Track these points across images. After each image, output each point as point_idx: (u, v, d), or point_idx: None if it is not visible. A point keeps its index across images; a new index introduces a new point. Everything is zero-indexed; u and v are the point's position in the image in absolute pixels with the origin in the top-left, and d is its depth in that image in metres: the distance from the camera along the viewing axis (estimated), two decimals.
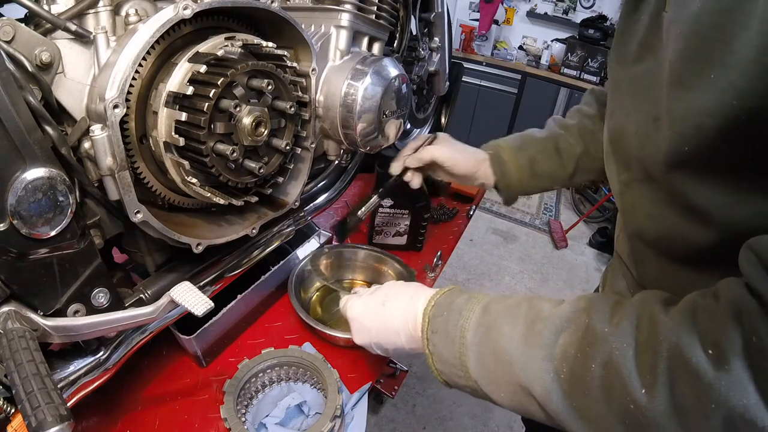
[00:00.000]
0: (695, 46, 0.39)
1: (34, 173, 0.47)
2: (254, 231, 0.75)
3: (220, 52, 0.57)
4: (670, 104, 0.43)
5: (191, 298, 0.55)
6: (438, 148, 0.83)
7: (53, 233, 0.49)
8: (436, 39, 1.26)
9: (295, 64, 0.68)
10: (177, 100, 0.57)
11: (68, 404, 0.44)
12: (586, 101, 0.84)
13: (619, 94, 0.57)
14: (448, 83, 1.43)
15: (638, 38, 0.53)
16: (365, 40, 0.88)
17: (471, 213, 1.44)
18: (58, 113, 0.54)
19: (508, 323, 0.48)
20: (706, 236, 0.45)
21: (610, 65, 0.61)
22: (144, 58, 0.55)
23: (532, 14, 4.03)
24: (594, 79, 3.55)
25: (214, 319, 0.77)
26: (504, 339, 0.47)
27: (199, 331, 0.76)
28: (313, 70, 0.75)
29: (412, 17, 1.16)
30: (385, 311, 0.60)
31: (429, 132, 1.63)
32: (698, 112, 0.39)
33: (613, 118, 0.58)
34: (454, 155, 0.82)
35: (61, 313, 0.53)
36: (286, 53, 0.65)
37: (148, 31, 0.53)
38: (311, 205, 0.99)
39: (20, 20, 0.51)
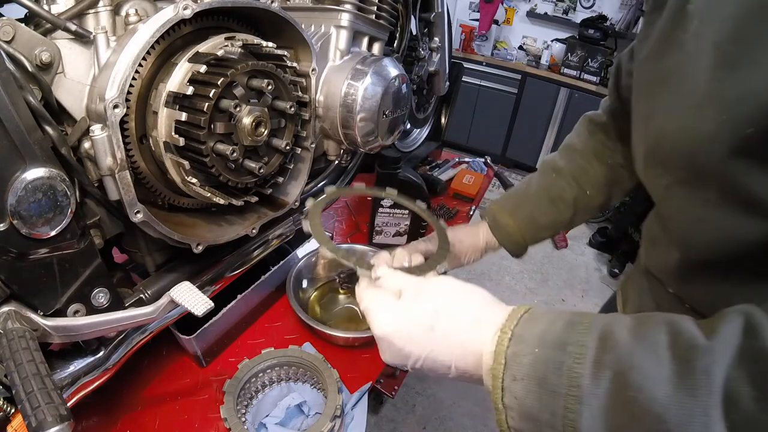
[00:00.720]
0: (750, 21, 0.38)
1: (34, 173, 0.47)
2: (254, 231, 0.75)
3: (220, 52, 0.57)
4: (715, 88, 0.41)
5: (191, 298, 0.55)
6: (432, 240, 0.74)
7: (53, 233, 0.49)
8: (436, 39, 1.26)
9: (295, 64, 0.68)
10: (177, 100, 0.57)
11: (68, 404, 0.44)
12: (577, 131, 0.82)
13: (651, 95, 0.53)
14: (448, 83, 1.44)
15: (660, 34, 0.51)
16: (365, 40, 0.88)
17: (471, 213, 1.44)
18: (58, 113, 0.54)
19: (648, 359, 0.34)
20: (763, 230, 0.42)
21: (636, 69, 0.57)
22: (144, 58, 0.55)
23: (532, 14, 4.03)
24: (594, 79, 3.55)
25: (214, 319, 0.77)
26: (648, 384, 0.33)
27: (199, 331, 0.75)
28: (313, 70, 0.75)
29: (412, 17, 1.16)
30: (435, 338, 0.43)
31: (428, 133, 1.63)
32: (764, 88, 0.37)
33: (652, 122, 0.52)
34: (455, 234, 0.78)
35: (61, 313, 0.53)
36: (286, 53, 0.65)
37: (148, 31, 0.53)
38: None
39: (20, 20, 0.51)
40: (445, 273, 0.55)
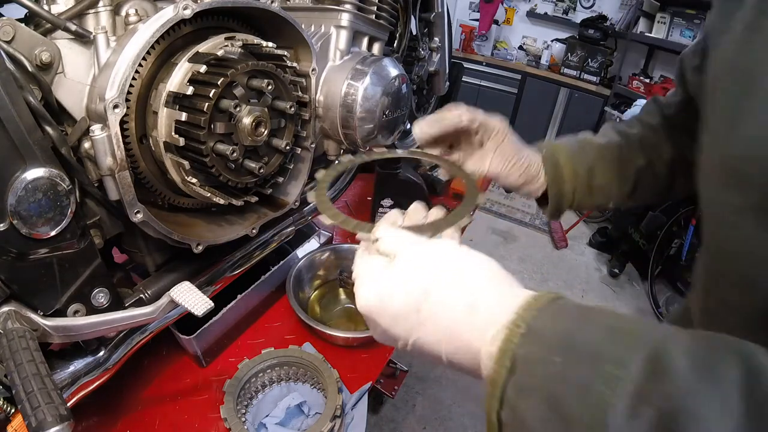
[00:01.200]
0: None
1: (34, 173, 0.47)
2: (254, 231, 0.75)
3: (220, 52, 0.57)
4: None
5: (191, 298, 0.55)
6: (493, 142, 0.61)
7: (53, 233, 0.49)
8: (436, 39, 1.26)
9: (295, 64, 0.68)
10: (177, 100, 0.57)
11: (68, 404, 0.44)
12: (647, 110, 0.69)
13: (736, 94, 0.42)
14: (448, 83, 1.44)
15: (743, 25, 0.42)
16: (365, 40, 0.88)
17: (472, 213, 1.44)
18: (58, 113, 0.54)
19: (711, 403, 0.24)
20: None
21: (714, 63, 0.47)
22: (144, 58, 0.55)
23: (532, 14, 4.03)
24: (594, 79, 3.55)
25: (214, 319, 0.77)
26: None
27: (199, 331, 0.76)
28: (313, 70, 0.75)
29: (412, 17, 1.16)
30: (421, 321, 0.34)
31: None
32: None
33: (738, 125, 0.41)
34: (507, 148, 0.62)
35: (61, 313, 0.53)
36: (286, 53, 0.65)
37: (148, 31, 0.53)
38: (311, 204, 0.99)
39: (20, 20, 0.51)
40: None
